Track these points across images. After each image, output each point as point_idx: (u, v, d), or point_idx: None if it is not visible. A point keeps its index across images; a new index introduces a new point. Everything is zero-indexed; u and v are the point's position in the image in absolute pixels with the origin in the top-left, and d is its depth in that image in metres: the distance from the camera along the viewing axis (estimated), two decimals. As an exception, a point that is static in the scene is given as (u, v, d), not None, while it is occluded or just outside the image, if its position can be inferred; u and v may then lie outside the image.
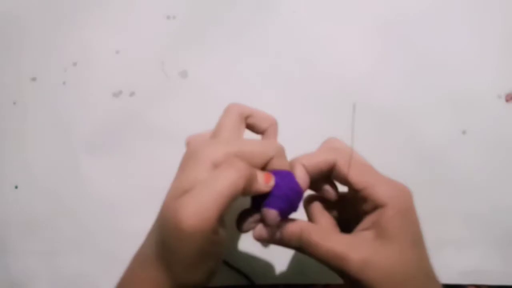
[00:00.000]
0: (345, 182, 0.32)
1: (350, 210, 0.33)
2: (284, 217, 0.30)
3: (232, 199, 0.27)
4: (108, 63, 0.51)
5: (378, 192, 0.30)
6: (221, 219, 0.27)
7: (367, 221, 0.30)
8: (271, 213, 0.29)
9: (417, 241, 0.30)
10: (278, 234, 0.31)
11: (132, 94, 0.50)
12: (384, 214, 0.29)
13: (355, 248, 0.29)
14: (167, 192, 0.29)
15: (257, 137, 0.37)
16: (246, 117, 0.35)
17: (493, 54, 0.48)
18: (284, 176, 0.31)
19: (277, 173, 0.31)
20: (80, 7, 0.53)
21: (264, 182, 0.29)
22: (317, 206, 0.34)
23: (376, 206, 0.30)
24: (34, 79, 0.52)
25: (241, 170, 0.27)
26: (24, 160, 0.50)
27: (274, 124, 0.36)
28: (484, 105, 0.47)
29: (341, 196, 0.34)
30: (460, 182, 0.46)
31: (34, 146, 0.50)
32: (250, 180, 0.28)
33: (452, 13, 0.50)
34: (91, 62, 0.52)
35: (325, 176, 0.33)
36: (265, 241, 0.31)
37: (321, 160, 0.32)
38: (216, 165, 0.28)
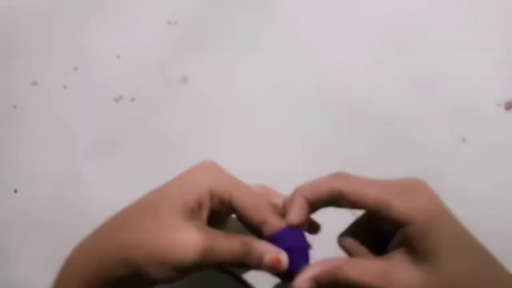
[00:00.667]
0: (357, 206, 0.30)
1: (380, 228, 0.31)
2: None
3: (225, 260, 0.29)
4: (109, 68, 0.51)
5: (396, 211, 0.28)
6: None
7: (398, 237, 0.28)
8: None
9: (463, 246, 0.28)
10: (315, 283, 0.29)
11: (132, 99, 0.50)
12: (412, 232, 0.27)
13: (391, 278, 0.27)
14: (161, 195, 0.32)
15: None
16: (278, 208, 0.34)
17: (493, 63, 0.48)
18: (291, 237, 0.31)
19: (282, 236, 0.30)
20: (82, 11, 0.54)
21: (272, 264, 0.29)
22: (350, 243, 0.32)
23: (398, 225, 0.28)
24: (35, 83, 0.52)
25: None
26: (24, 164, 0.50)
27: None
28: (483, 113, 0.47)
29: (365, 218, 0.33)
30: (459, 190, 0.46)
31: (34, 150, 0.50)
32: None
33: (453, 21, 0.50)
34: (92, 66, 0.52)
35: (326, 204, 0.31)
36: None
37: (324, 190, 0.30)
38: (212, 189, 0.31)
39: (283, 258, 0.29)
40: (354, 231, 0.33)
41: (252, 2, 0.52)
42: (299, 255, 0.31)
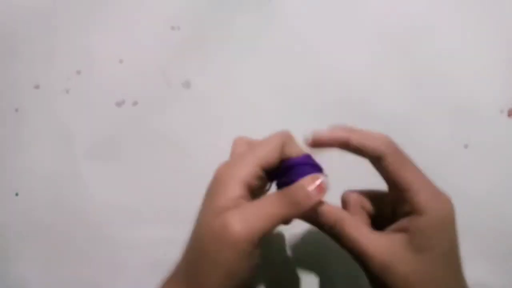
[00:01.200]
0: (388, 178, 0.31)
1: (386, 207, 0.33)
2: None
3: (273, 226, 0.29)
4: (111, 72, 0.51)
5: (421, 197, 0.29)
6: (261, 239, 0.28)
7: (402, 223, 0.30)
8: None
9: (451, 258, 0.29)
10: (314, 214, 0.31)
11: (135, 103, 0.50)
12: (421, 222, 0.29)
13: (381, 248, 0.29)
14: (201, 213, 0.30)
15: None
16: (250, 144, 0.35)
17: (496, 69, 0.48)
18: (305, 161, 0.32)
19: (296, 159, 0.32)
20: (85, 15, 0.54)
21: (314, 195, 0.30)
22: (354, 199, 0.34)
23: (413, 211, 0.29)
24: (37, 86, 0.52)
25: (283, 211, 0.29)
26: (25, 167, 0.50)
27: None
28: (486, 119, 0.47)
29: (379, 192, 0.34)
30: (461, 196, 0.45)
31: (35, 153, 0.50)
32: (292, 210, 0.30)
33: (456, 27, 0.50)
34: (94, 70, 0.52)
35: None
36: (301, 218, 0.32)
37: (370, 146, 0.31)
38: (244, 183, 0.30)
39: (321, 178, 0.30)
40: (362, 196, 0.35)
41: (253, 5, 0.52)
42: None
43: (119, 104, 0.50)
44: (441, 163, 0.46)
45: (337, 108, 0.48)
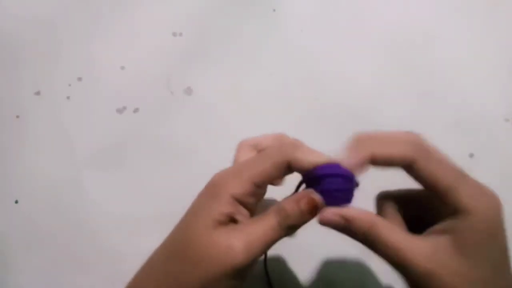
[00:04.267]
0: (425, 183, 0.28)
1: (424, 209, 0.30)
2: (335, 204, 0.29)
3: (272, 243, 0.28)
4: (113, 79, 0.51)
5: (463, 196, 0.26)
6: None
7: (445, 224, 0.27)
8: (325, 215, 0.28)
9: (500, 262, 0.27)
10: (343, 221, 0.28)
11: (136, 110, 0.50)
12: (467, 223, 0.26)
13: (423, 254, 0.26)
14: (189, 218, 0.30)
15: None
16: (256, 147, 0.34)
17: (500, 77, 0.48)
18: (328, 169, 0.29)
19: (321, 169, 0.29)
20: (86, 22, 0.54)
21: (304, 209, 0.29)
22: (390, 204, 0.31)
23: (458, 212, 0.27)
24: (38, 93, 0.52)
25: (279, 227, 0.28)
26: (25, 174, 0.49)
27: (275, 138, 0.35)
28: (491, 128, 0.46)
29: (415, 193, 0.31)
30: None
31: (36, 160, 0.50)
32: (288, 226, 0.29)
33: (459, 37, 0.50)
34: (96, 77, 0.51)
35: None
36: (331, 226, 0.29)
37: (396, 155, 0.28)
38: (237, 199, 0.29)
39: (315, 196, 0.28)
40: (397, 197, 0.32)
41: (257, 13, 0.52)
42: (343, 194, 0.29)
43: (120, 110, 0.50)
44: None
45: (341, 117, 0.48)
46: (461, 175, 0.28)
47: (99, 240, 0.46)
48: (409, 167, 0.28)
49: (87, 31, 0.53)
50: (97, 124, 0.50)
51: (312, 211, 0.28)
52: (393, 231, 0.28)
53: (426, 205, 0.30)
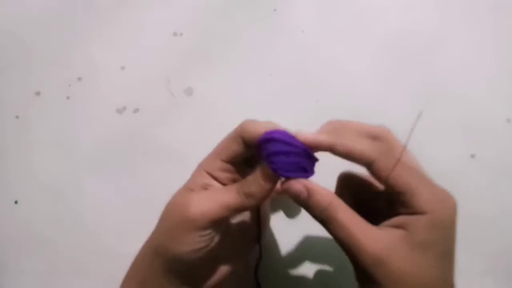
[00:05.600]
0: (383, 182, 0.30)
1: (381, 203, 0.31)
2: (288, 174, 0.30)
3: (227, 213, 0.31)
4: (113, 79, 0.51)
5: (420, 199, 0.28)
6: (213, 223, 0.31)
7: (400, 219, 0.29)
8: (288, 184, 0.30)
9: (446, 257, 0.28)
10: (305, 192, 0.29)
11: (136, 110, 0.50)
12: (421, 221, 0.28)
13: (376, 241, 0.27)
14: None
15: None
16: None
17: (503, 78, 0.48)
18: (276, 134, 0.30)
19: (266, 133, 0.30)
20: (87, 22, 0.53)
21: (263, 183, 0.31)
22: (348, 189, 0.34)
23: (413, 212, 0.28)
24: (38, 93, 0.51)
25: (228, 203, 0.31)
26: (25, 175, 0.49)
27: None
28: (493, 129, 0.46)
29: (374, 189, 0.33)
30: (468, 207, 0.45)
31: (35, 160, 0.49)
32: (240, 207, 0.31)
33: (462, 36, 0.49)
34: (96, 77, 0.51)
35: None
36: (292, 195, 0.30)
37: (356, 152, 0.30)
38: (208, 173, 0.34)
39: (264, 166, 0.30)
40: (357, 181, 0.34)
41: (258, 13, 0.52)
42: (294, 163, 0.30)
43: (120, 111, 0.50)
44: (447, 174, 0.45)
45: (342, 117, 0.47)
46: (420, 178, 0.29)
47: (99, 241, 0.46)
48: (369, 166, 0.30)
49: (87, 31, 0.53)
50: (97, 125, 0.50)
51: (266, 178, 0.30)
52: (350, 214, 0.29)
53: (382, 200, 0.31)
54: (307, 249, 0.44)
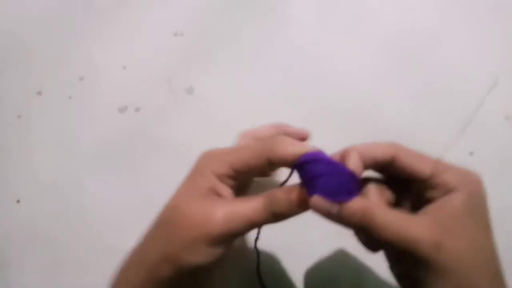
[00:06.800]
0: (409, 173, 0.30)
1: (410, 197, 0.32)
2: (334, 197, 0.27)
3: (249, 230, 0.29)
4: (114, 78, 0.51)
5: (448, 177, 0.29)
6: (236, 237, 0.30)
7: (434, 205, 0.29)
8: (314, 200, 0.28)
9: (487, 226, 0.29)
10: (336, 210, 0.28)
11: (137, 109, 0.50)
12: (455, 199, 0.28)
13: (427, 227, 0.27)
14: (177, 190, 0.32)
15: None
16: (255, 138, 0.36)
17: (501, 76, 0.48)
18: (314, 157, 0.28)
19: (303, 156, 0.28)
20: (88, 22, 0.54)
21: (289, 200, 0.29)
22: (374, 186, 0.31)
23: (445, 192, 0.29)
24: (39, 92, 0.52)
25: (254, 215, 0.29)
26: (27, 174, 0.49)
27: (284, 127, 0.37)
28: (491, 126, 0.46)
29: (399, 182, 0.32)
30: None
31: (37, 160, 0.50)
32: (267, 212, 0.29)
33: (460, 35, 0.50)
34: (97, 77, 0.51)
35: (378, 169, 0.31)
36: (321, 212, 0.28)
37: (379, 152, 0.30)
38: (218, 176, 0.31)
39: (301, 189, 0.29)
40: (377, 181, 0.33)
41: (257, 12, 0.52)
42: (335, 185, 0.28)
43: (122, 110, 0.50)
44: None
45: (344, 118, 0.48)
46: (441, 163, 0.30)
47: (100, 239, 0.46)
48: (392, 164, 0.30)
49: (89, 31, 0.53)
50: (98, 124, 0.50)
51: (301, 203, 0.29)
52: (388, 212, 0.28)
53: (411, 194, 0.31)
54: (307, 248, 0.44)
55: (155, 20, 0.53)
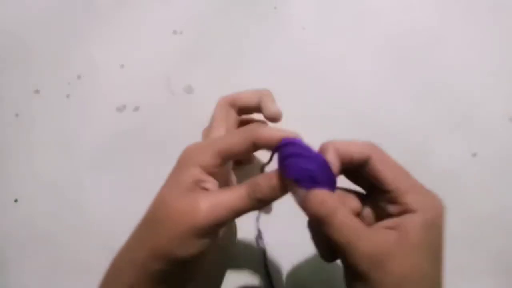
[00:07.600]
0: (376, 179, 0.30)
1: (374, 207, 0.32)
2: (307, 183, 0.29)
3: (235, 218, 0.30)
4: (112, 77, 0.51)
5: (410, 198, 0.29)
6: (222, 227, 0.31)
7: (394, 221, 0.29)
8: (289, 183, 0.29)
9: (436, 256, 0.29)
10: (302, 194, 0.29)
11: (136, 109, 0.50)
12: (410, 222, 0.28)
13: (369, 242, 0.28)
14: (163, 187, 0.33)
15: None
16: (234, 104, 0.39)
17: (504, 77, 0.48)
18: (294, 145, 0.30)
19: (286, 140, 0.30)
20: (86, 20, 0.54)
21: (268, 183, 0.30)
22: (343, 191, 0.33)
23: (405, 211, 0.29)
24: (37, 91, 0.51)
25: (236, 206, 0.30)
26: (25, 173, 0.49)
27: (265, 95, 0.39)
28: (494, 127, 0.46)
29: (358, 193, 0.33)
30: (470, 205, 0.45)
31: (35, 159, 0.49)
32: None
33: (463, 36, 0.50)
34: (95, 75, 0.51)
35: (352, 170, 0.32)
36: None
37: (356, 150, 0.31)
38: (204, 167, 0.31)
39: (280, 174, 0.30)
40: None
41: (258, 11, 0.52)
42: (311, 170, 0.29)
43: (120, 109, 0.50)
44: (449, 172, 0.45)
45: (346, 120, 0.47)
46: (410, 179, 0.30)
47: (99, 238, 0.46)
48: (364, 164, 0.31)
49: (87, 30, 0.53)
50: (97, 123, 0.50)
51: (283, 187, 0.30)
52: (349, 217, 0.29)
53: (376, 204, 0.32)
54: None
55: (154, 19, 0.53)
